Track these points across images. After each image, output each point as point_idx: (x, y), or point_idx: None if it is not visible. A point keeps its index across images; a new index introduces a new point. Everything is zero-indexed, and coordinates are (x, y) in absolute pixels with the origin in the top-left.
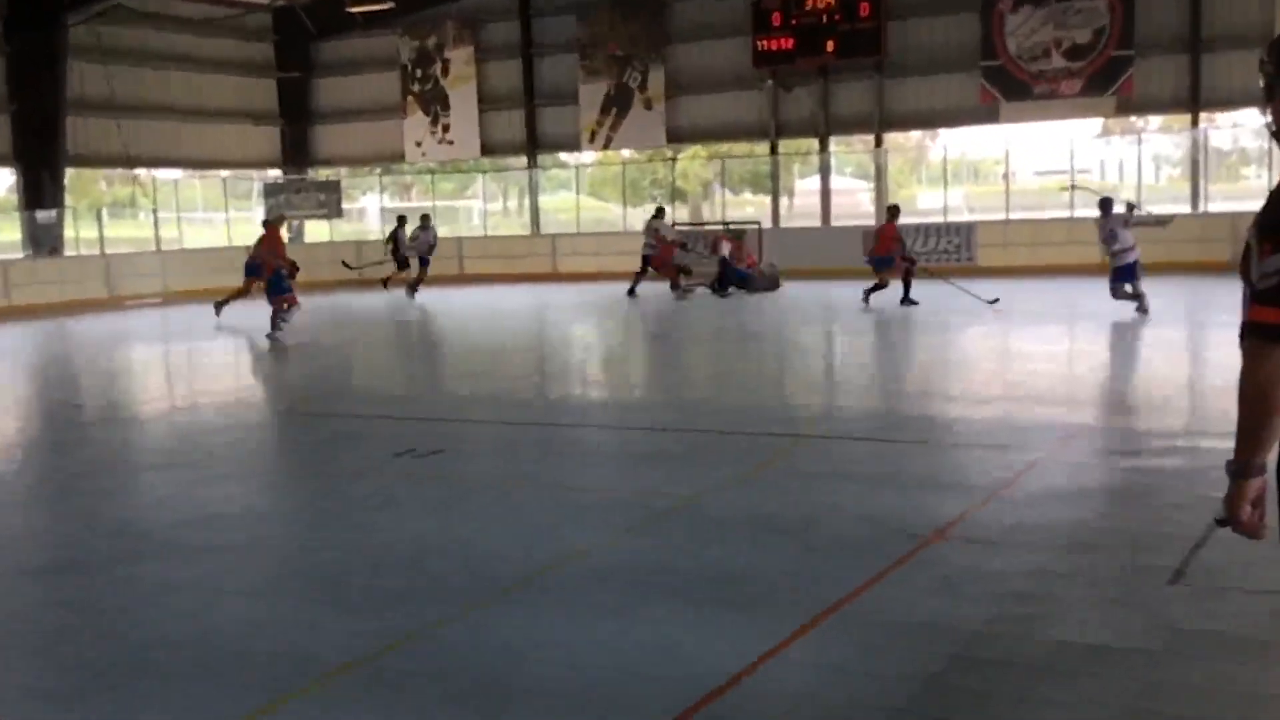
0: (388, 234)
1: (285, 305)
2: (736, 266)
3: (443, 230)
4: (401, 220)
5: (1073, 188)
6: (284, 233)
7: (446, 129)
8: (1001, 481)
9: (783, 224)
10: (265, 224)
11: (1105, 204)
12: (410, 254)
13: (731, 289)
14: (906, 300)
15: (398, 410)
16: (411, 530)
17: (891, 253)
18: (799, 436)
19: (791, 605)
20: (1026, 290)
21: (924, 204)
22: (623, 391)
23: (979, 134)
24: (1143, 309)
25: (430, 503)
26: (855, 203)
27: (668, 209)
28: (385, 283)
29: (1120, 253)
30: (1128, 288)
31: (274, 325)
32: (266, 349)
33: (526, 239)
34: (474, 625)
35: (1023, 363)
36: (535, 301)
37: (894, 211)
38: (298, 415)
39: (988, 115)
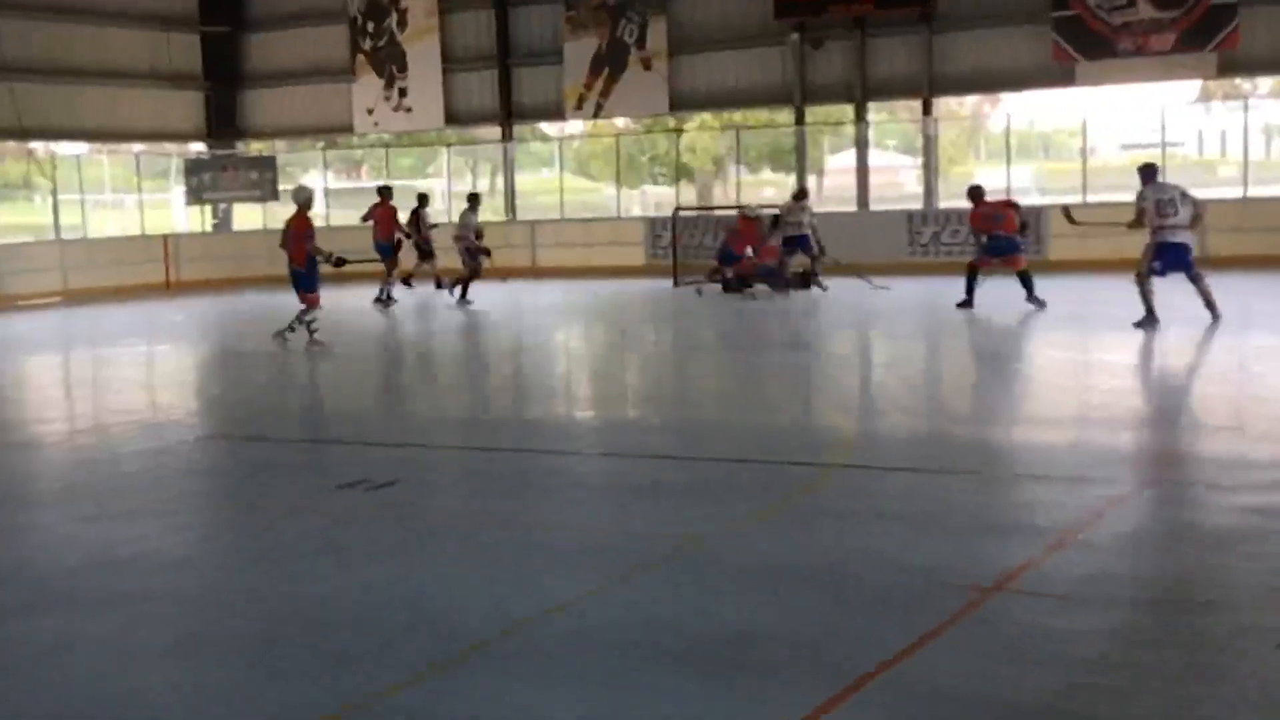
0: (408, 216)
1: (308, 306)
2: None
3: (402, 215)
4: (423, 199)
5: (1067, 214)
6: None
7: (403, 94)
8: (1075, 522)
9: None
10: (298, 204)
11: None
12: (460, 243)
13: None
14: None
15: (345, 433)
16: (360, 579)
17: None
18: (828, 466)
19: (819, 673)
20: (1109, 290)
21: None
22: (615, 411)
23: (1050, 100)
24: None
25: (383, 546)
26: (898, 182)
27: (666, 189)
28: (408, 279)
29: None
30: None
31: (292, 324)
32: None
33: (500, 226)
34: (433, 693)
35: (1102, 377)
36: (511, 302)
37: (976, 194)
38: (225, 439)
39: (1061, 77)
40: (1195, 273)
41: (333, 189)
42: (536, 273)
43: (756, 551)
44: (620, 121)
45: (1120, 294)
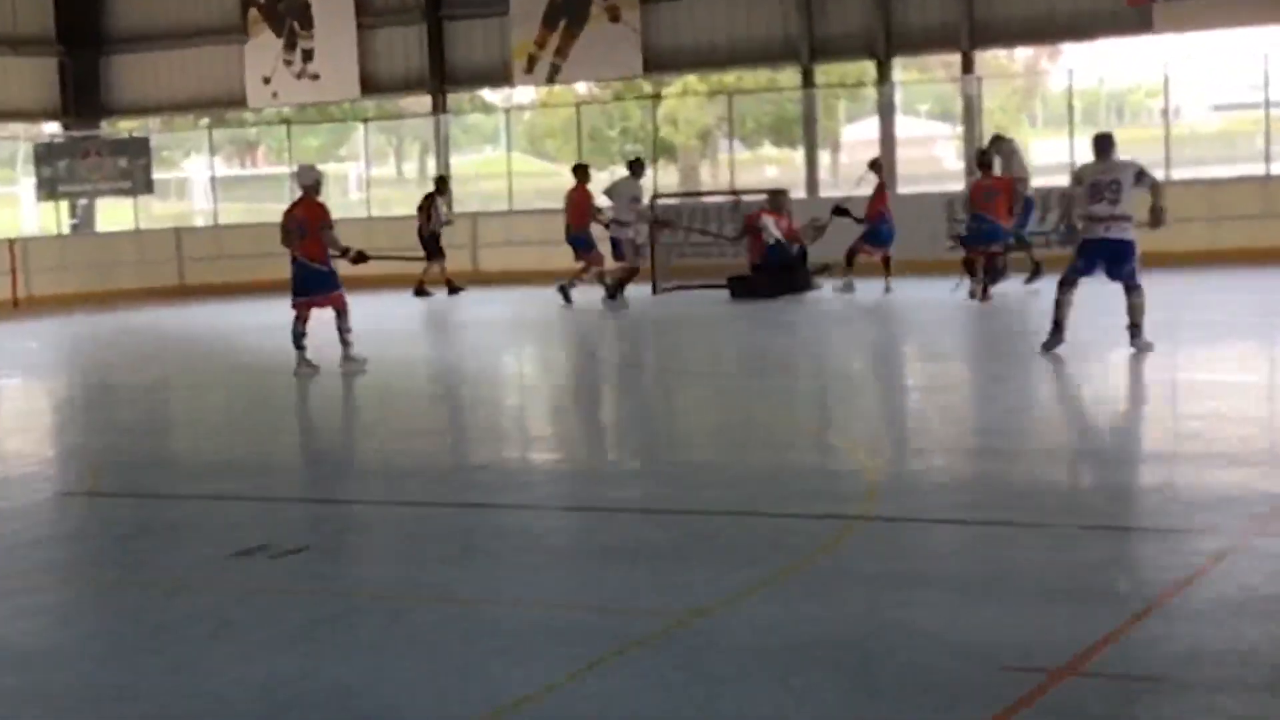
0: (420, 204)
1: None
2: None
3: None
4: (441, 183)
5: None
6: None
7: (308, 57)
8: (1168, 585)
9: (823, 191)
10: (305, 188)
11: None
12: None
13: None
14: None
15: (242, 486)
16: (261, 671)
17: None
18: (853, 519)
19: None
20: (1200, 288)
21: (1040, 156)
22: (583, 454)
23: (1123, 51)
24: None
25: (290, 628)
26: (933, 156)
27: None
28: (420, 288)
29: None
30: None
31: (343, 338)
32: (46, 392)
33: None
34: None
35: (1197, 401)
36: (447, 317)
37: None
38: (90, 496)
39: (1136, 23)
40: (1134, 282)
41: (221, 178)
42: (480, 278)
43: (763, 628)
44: (582, 87)
45: (1213, 295)
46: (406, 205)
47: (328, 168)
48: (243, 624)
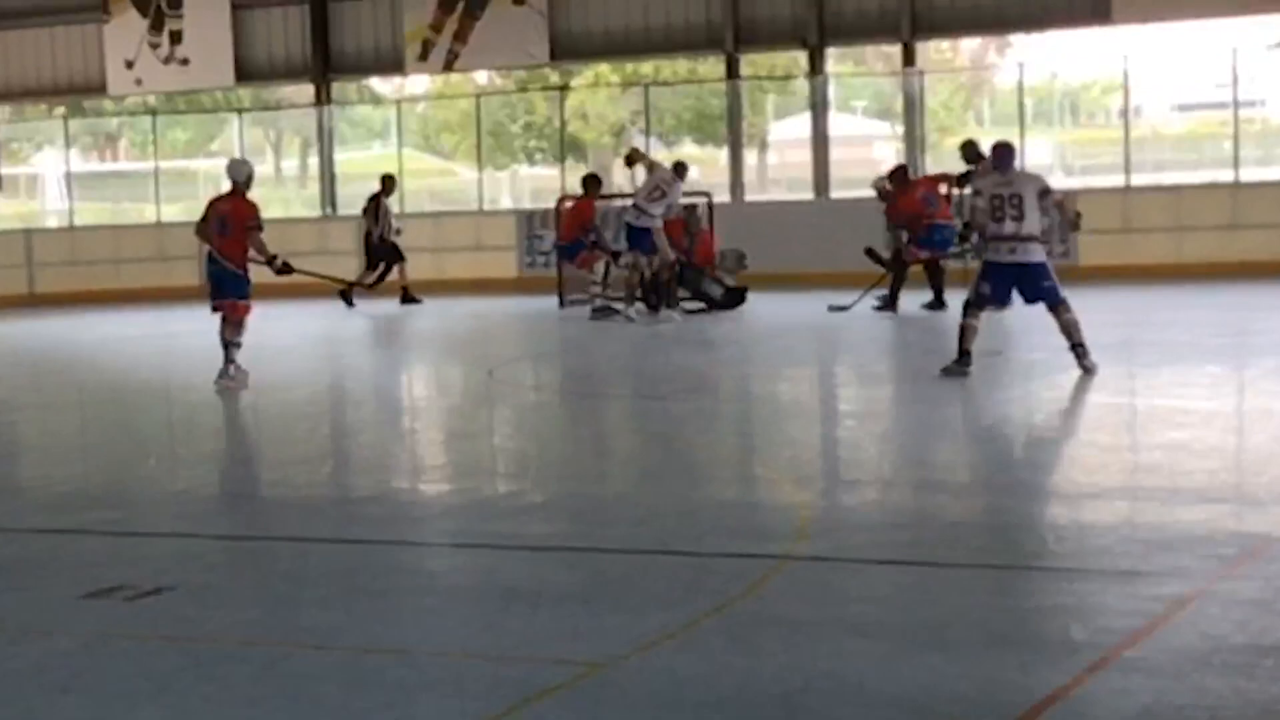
0: (364, 207)
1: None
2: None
3: (174, 209)
4: (388, 182)
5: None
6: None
7: (177, 40)
8: (1125, 634)
9: (749, 196)
10: (235, 183)
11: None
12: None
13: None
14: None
15: (98, 519)
16: None
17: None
18: (780, 559)
19: None
20: (1162, 305)
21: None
22: (478, 485)
23: (1079, 44)
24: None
25: (151, 678)
26: (870, 158)
27: (547, 170)
28: (407, 295)
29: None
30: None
31: (228, 354)
32: None
33: (315, 224)
34: None
35: (1159, 430)
36: (328, 330)
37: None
38: None
39: (1093, 13)
40: (1057, 299)
41: (78, 174)
42: (369, 289)
43: (680, 680)
44: (482, 77)
45: (1176, 312)
46: (284, 206)
47: (197, 164)
48: (97, 673)
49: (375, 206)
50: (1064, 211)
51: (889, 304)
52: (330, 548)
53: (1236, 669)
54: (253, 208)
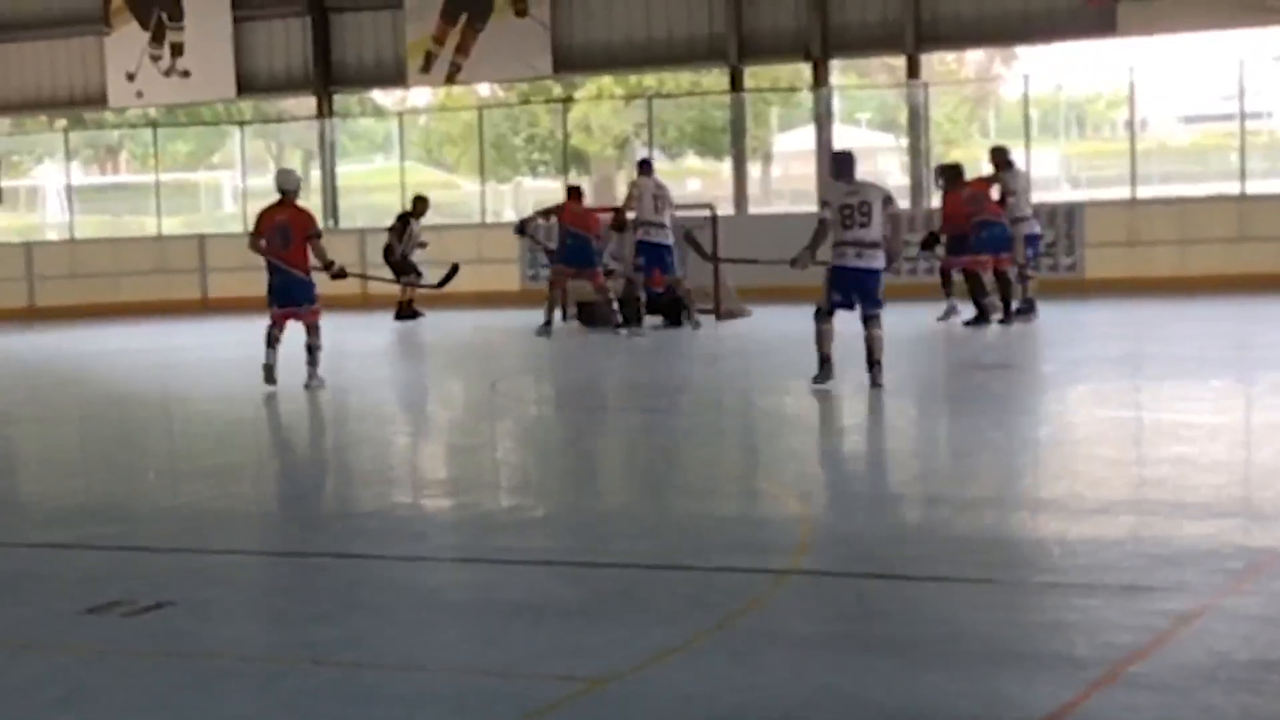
0: (392, 225)
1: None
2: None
3: (174, 222)
4: (420, 204)
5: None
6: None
7: (178, 52)
8: (1131, 650)
9: (753, 208)
10: (286, 192)
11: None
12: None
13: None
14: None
15: (97, 533)
16: None
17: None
18: (781, 573)
19: None
20: (1167, 318)
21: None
22: (480, 499)
23: (1084, 55)
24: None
25: (150, 694)
26: (875, 171)
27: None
28: (403, 309)
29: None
30: None
31: (314, 358)
32: None
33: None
34: None
35: (1164, 444)
36: (330, 344)
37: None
38: None
39: (1098, 24)
40: (874, 313)
41: (78, 186)
42: (365, 301)
43: (681, 696)
44: (485, 89)
45: (1182, 325)
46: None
47: (198, 177)
48: (96, 689)
49: (403, 227)
50: (898, 224)
51: (1005, 314)
52: (331, 562)
53: (1242, 685)
54: (310, 217)
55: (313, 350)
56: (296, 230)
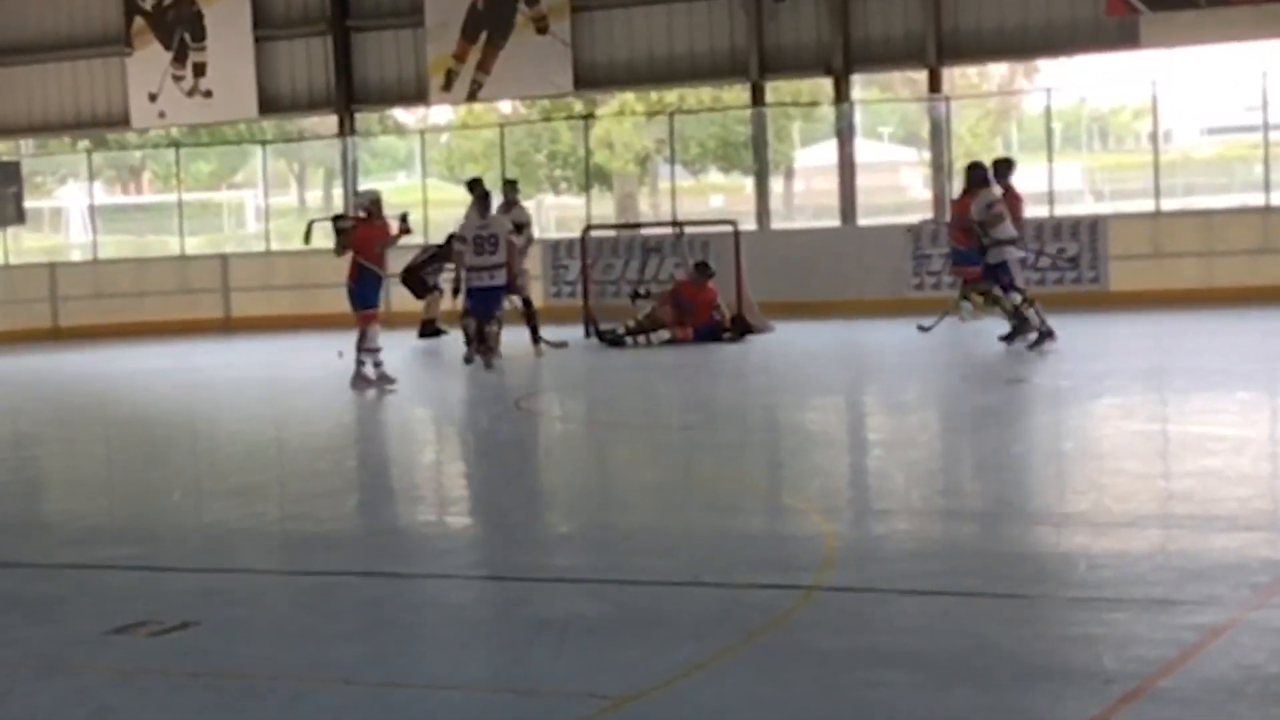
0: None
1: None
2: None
3: (197, 242)
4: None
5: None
6: None
7: (200, 72)
8: (1158, 664)
9: (775, 224)
10: (369, 209)
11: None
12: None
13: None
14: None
15: (123, 553)
16: None
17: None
18: (808, 589)
19: None
20: (1193, 330)
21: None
22: (505, 517)
23: (1107, 68)
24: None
25: (176, 713)
26: (898, 185)
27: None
28: (426, 326)
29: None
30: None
31: (361, 358)
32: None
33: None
34: None
35: (1190, 457)
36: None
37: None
38: None
39: (1120, 36)
40: (497, 315)
41: (101, 206)
42: (391, 319)
43: (707, 712)
44: (506, 106)
45: (1207, 338)
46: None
47: (221, 196)
48: (123, 709)
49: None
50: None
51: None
52: (356, 581)
53: (1271, 698)
54: (386, 229)
55: (374, 352)
56: (387, 241)
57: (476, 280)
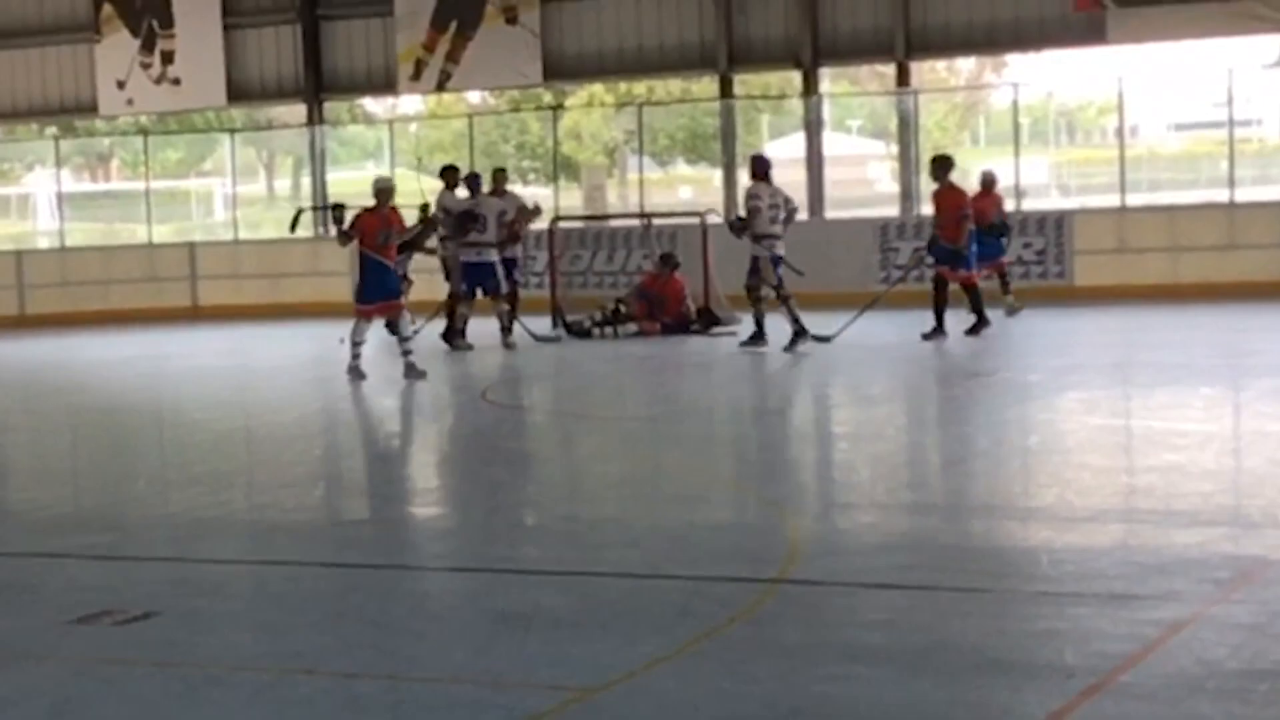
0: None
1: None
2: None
3: (165, 230)
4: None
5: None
6: None
7: (169, 60)
8: (1120, 659)
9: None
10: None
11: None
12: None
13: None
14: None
15: (87, 542)
16: None
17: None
18: (773, 582)
19: None
20: (1157, 326)
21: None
22: (470, 508)
23: (1074, 63)
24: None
25: (139, 704)
26: (866, 178)
27: (540, 189)
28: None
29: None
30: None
31: (406, 346)
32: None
33: (308, 244)
34: None
35: (1153, 453)
36: (319, 352)
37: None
38: None
39: (1087, 32)
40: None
41: (69, 194)
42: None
43: (671, 706)
44: (475, 96)
45: (1172, 333)
46: (277, 227)
47: (189, 184)
48: (86, 699)
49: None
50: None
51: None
52: (321, 571)
53: (1231, 694)
54: (398, 217)
55: (406, 339)
56: (397, 231)
57: (465, 255)
